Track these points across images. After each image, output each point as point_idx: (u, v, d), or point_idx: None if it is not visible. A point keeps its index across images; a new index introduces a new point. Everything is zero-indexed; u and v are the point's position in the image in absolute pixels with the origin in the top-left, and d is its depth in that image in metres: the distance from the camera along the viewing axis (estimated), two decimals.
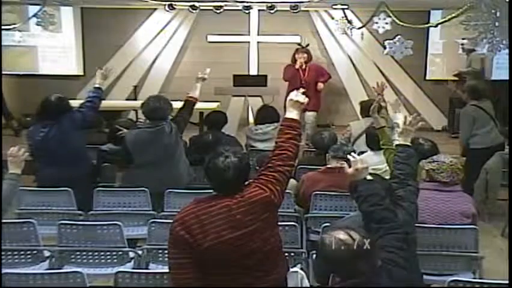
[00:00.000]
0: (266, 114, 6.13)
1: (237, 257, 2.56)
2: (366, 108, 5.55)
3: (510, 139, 5.73)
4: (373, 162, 4.58)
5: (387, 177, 4.33)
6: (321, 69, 8.95)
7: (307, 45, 9.09)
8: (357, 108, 10.12)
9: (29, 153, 3.55)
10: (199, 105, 5.25)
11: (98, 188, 4.57)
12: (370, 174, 3.50)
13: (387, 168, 4.51)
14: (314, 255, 3.31)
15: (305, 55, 8.63)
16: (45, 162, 4.58)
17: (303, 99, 2.92)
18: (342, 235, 2.23)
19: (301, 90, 2.94)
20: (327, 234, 2.28)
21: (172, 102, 4.77)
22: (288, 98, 2.95)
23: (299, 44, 9.11)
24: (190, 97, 4.94)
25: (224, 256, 2.54)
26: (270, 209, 2.67)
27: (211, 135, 5.42)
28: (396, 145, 3.37)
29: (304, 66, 8.51)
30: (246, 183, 2.70)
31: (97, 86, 4.93)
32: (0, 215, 3.15)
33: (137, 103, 8.09)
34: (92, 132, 6.24)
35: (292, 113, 2.91)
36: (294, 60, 8.58)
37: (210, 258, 2.53)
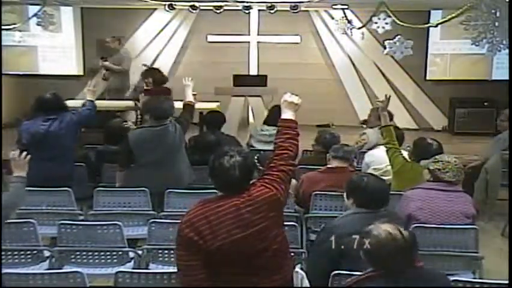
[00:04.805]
0: (277, 117, 6.07)
1: (246, 256, 2.57)
2: (378, 116, 5.49)
3: (510, 139, 5.73)
4: (382, 159, 4.59)
5: (388, 177, 4.36)
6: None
7: (152, 67, 8.12)
8: (357, 108, 10.23)
9: (21, 148, 3.54)
10: (199, 105, 5.25)
11: (98, 188, 4.57)
12: (369, 173, 3.51)
13: (388, 168, 4.53)
14: (314, 253, 3.29)
15: (150, 79, 7.11)
16: (40, 157, 4.56)
17: (297, 100, 2.96)
18: (391, 229, 2.26)
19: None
20: (374, 225, 2.33)
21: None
22: (282, 100, 2.99)
23: (144, 65, 8.11)
24: (188, 101, 4.98)
25: (233, 256, 2.55)
26: (277, 207, 2.68)
27: (212, 135, 5.43)
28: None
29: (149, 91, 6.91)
30: (251, 182, 2.70)
31: (90, 99, 5.15)
32: (0, 215, 3.15)
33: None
34: (93, 132, 6.25)
35: (287, 114, 2.95)
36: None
37: (219, 258, 2.54)
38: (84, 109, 4.99)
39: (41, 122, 4.66)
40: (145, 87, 7.14)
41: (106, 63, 8.79)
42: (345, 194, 3.22)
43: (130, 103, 8.26)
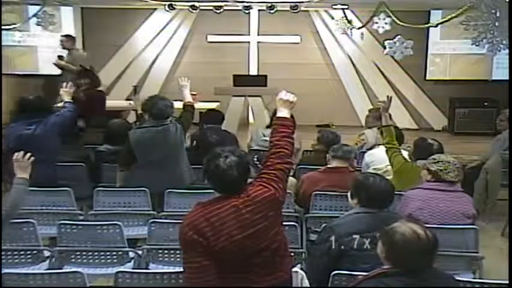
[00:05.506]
0: None
1: (246, 256, 2.57)
2: (377, 117, 5.48)
3: (510, 138, 5.73)
4: (382, 159, 4.58)
5: (388, 177, 4.36)
6: (93, 102, 6.84)
7: (91, 67, 8.00)
8: (357, 108, 10.23)
9: (6, 153, 3.52)
10: (199, 105, 5.24)
11: (98, 188, 4.57)
12: (375, 173, 3.51)
13: (388, 167, 4.52)
14: (314, 252, 3.29)
15: (87, 80, 6.90)
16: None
17: (293, 98, 2.95)
18: (417, 228, 2.30)
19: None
20: (400, 222, 2.36)
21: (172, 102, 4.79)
22: (278, 98, 2.97)
23: (81, 66, 7.89)
24: (188, 102, 4.99)
25: (234, 256, 2.55)
26: (276, 206, 2.68)
27: (214, 134, 5.43)
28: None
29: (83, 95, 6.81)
30: (248, 182, 2.70)
31: (68, 100, 5.07)
32: (0, 215, 3.15)
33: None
34: (93, 132, 6.24)
35: (283, 112, 2.94)
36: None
37: (221, 259, 2.54)
38: (65, 111, 4.94)
39: (25, 125, 4.60)
40: (79, 89, 6.80)
41: (62, 62, 8.41)
42: (349, 193, 3.22)
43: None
